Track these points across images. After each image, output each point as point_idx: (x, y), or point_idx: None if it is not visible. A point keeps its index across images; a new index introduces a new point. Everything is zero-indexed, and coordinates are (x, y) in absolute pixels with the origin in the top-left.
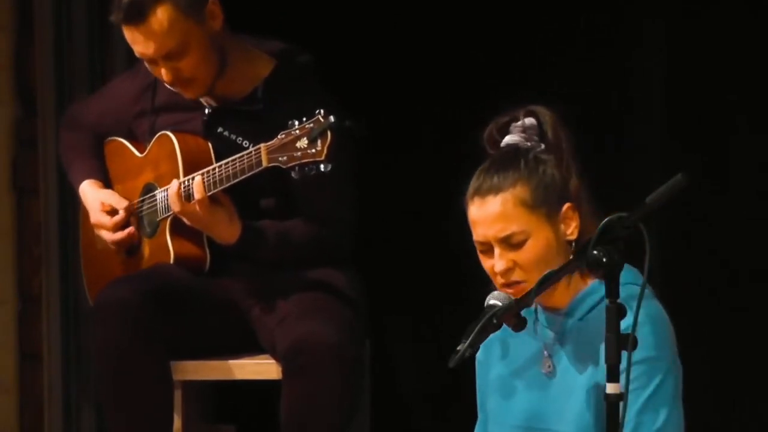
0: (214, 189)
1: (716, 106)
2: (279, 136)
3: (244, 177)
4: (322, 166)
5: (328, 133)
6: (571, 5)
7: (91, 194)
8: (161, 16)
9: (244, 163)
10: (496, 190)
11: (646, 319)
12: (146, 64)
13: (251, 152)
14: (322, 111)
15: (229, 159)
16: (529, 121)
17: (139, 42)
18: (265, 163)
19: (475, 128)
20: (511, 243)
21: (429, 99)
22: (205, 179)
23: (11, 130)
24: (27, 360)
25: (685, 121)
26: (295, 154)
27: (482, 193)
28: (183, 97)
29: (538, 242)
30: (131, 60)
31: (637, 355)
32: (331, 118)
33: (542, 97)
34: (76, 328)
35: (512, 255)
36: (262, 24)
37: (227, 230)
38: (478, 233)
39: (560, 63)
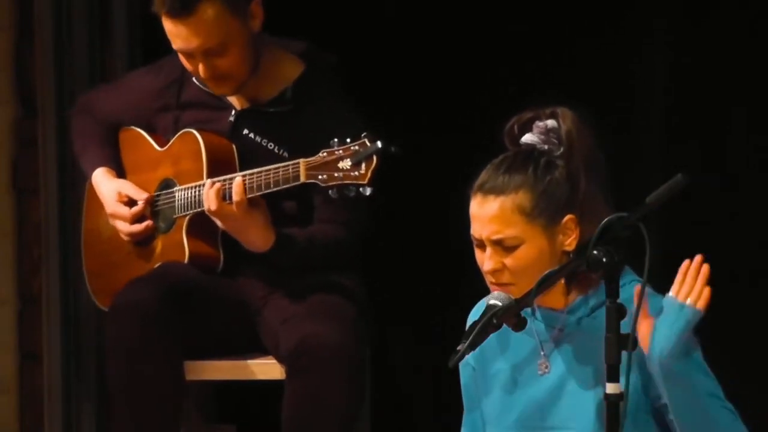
0: (251, 194)
1: (717, 106)
2: (320, 154)
3: (278, 188)
4: (362, 189)
5: (374, 158)
6: (573, 7)
7: (106, 184)
8: (209, 12)
9: (279, 175)
10: (498, 191)
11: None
12: (181, 57)
13: (289, 165)
14: (366, 134)
15: (266, 168)
16: (552, 122)
17: (181, 36)
18: (303, 179)
19: (477, 131)
20: (503, 246)
21: (430, 104)
22: (246, 181)
23: (11, 130)
24: (27, 360)
25: (686, 122)
26: (336, 174)
27: (485, 190)
28: (211, 96)
29: (531, 250)
30: (132, 60)
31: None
32: (378, 144)
33: (544, 98)
34: (76, 328)
35: (503, 257)
36: (275, 24)
37: (262, 236)
38: (474, 229)
39: (562, 64)
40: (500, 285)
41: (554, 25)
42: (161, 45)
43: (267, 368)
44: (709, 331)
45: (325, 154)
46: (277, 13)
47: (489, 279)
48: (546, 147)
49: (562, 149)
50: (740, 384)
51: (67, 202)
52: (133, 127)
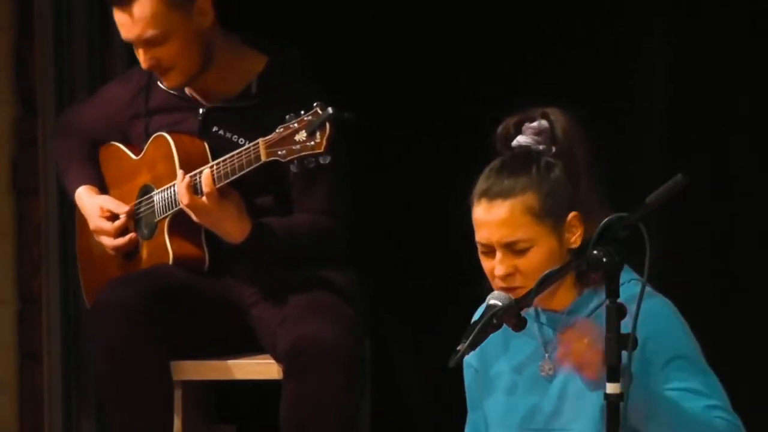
0: (219, 183)
1: (717, 106)
2: (277, 130)
3: (243, 172)
4: (321, 158)
5: (327, 125)
6: (573, 7)
7: (89, 200)
8: (144, 3)
9: (242, 159)
10: (505, 194)
11: (672, 314)
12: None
13: (249, 148)
14: (319, 103)
15: (230, 155)
16: (542, 123)
17: (123, 24)
18: (264, 158)
19: (475, 128)
20: (514, 249)
21: (428, 98)
22: (214, 172)
23: (11, 130)
24: (27, 360)
25: (686, 122)
26: (293, 148)
27: (491, 195)
28: (177, 98)
29: (542, 251)
30: (132, 60)
31: (675, 352)
32: (330, 110)
33: (543, 97)
34: (76, 329)
35: (514, 261)
36: (250, 21)
37: (237, 227)
38: (482, 235)
39: (562, 63)
40: (511, 289)
41: (554, 24)
42: None
43: (264, 368)
44: (709, 331)
45: (281, 129)
46: (267, 14)
47: (499, 284)
48: (540, 147)
49: (555, 148)
50: (740, 384)
51: (67, 202)
52: (111, 143)
